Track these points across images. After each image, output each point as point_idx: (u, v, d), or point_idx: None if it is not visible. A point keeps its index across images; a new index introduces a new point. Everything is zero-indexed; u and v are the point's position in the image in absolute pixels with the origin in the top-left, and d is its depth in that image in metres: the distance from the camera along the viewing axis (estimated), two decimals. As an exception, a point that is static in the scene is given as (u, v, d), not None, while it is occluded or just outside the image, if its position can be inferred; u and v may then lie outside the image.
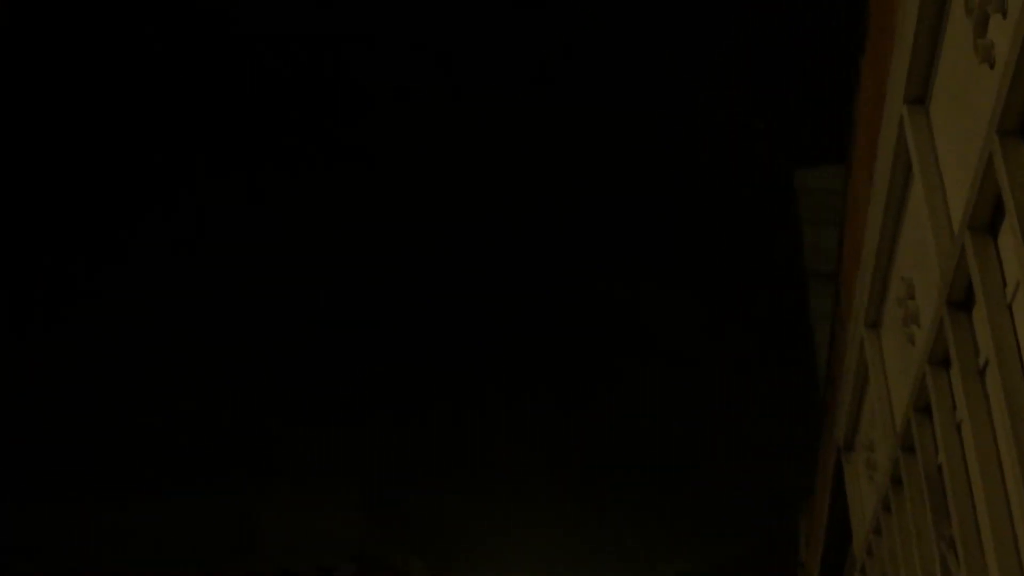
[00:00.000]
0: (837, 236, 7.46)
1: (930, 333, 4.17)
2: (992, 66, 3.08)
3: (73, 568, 37.80)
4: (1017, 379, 3.22)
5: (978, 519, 3.84)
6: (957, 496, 4.01)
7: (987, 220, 3.46)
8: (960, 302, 3.79)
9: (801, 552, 14.67)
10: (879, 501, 5.96)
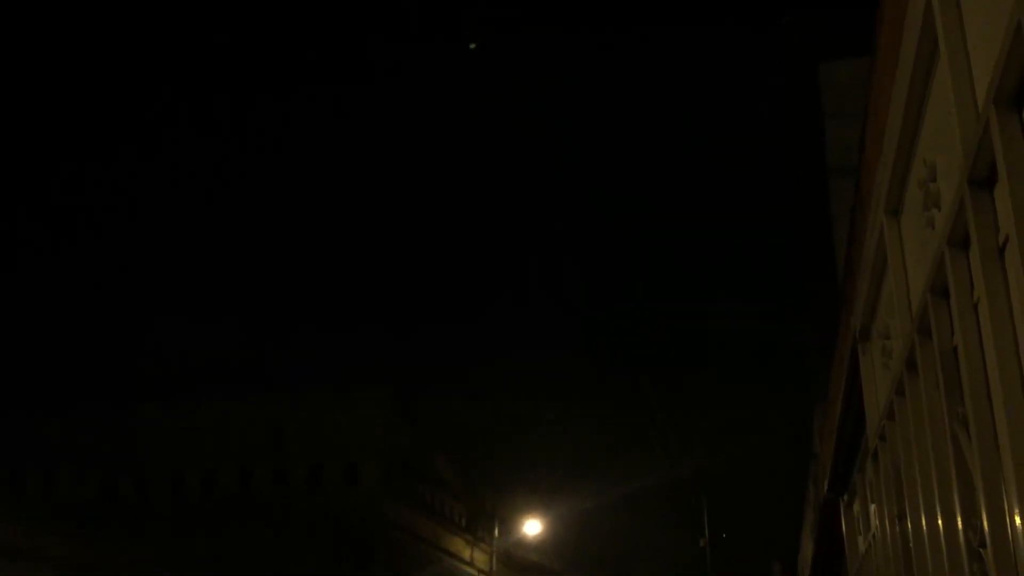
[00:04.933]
0: (860, 128, 7.37)
1: (950, 214, 4.15)
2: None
3: (113, 464, 39.00)
4: (1036, 253, 3.21)
5: (991, 396, 3.88)
6: (971, 374, 4.04)
7: (1013, 94, 3.41)
8: (982, 180, 3.77)
9: (815, 444, 14.87)
10: (893, 386, 6.02)
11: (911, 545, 5.93)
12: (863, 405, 7.95)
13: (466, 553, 46.42)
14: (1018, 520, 3.42)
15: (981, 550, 4.06)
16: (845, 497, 11.64)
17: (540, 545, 52.55)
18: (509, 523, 46.26)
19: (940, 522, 4.87)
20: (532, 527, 44.16)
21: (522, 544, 48.77)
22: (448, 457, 45.82)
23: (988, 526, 3.83)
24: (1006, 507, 3.67)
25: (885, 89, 5.67)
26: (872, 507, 8.48)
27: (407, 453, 40.30)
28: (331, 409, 38.42)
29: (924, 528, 5.31)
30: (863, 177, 7.12)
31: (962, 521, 4.44)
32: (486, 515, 47.30)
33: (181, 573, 28.09)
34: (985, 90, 3.58)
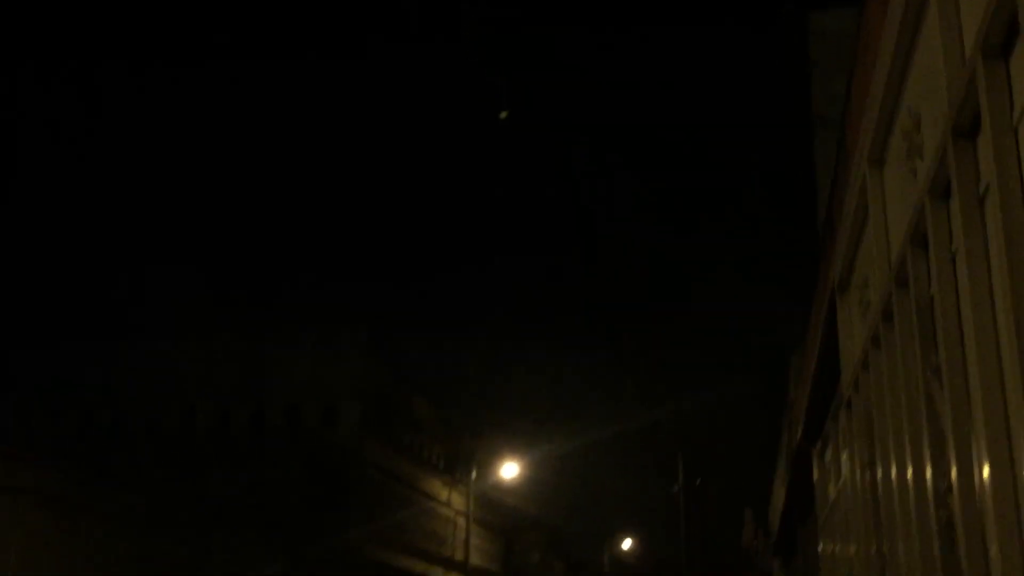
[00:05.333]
0: (846, 78, 7.33)
1: (933, 163, 4.15)
2: None
3: (90, 401, 39.05)
4: (1016, 203, 3.22)
5: (964, 346, 3.92)
6: (946, 324, 4.07)
7: (999, 44, 3.39)
8: (966, 130, 3.76)
9: (790, 393, 15.03)
10: (869, 337, 6.07)
11: (879, 492, 6.02)
12: (839, 355, 8.03)
13: (443, 494, 46.93)
14: (985, 468, 3.47)
15: (948, 496, 4.13)
16: (818, 445, 11.80)
17: (517, 488, 53.21)
18: (486, 466, 46.73)
19: (909, 469, 4.94)
20: (509, 470, 44.61)
21: (499, 487, 49.34)
22: (426, 399, 46.07)
23: (956, 473, 3.89)
24: (974, 455, 3.72)
25: (874, 38, 5.63)
26: (844, 455, 8.60)
27: (385, 394, 40.47)
28: (309, 350, 38.47)
29: (893, 475, 5.39)
30: (848, 126, 7.10)
31: (931, 468, 4.50)
32: (463, 457, 47.74)
33: (158, 507, 28.27)
34: (972, 40, 3.56)
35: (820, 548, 12.43)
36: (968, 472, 3.80)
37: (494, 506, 53.96)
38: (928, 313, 4.53)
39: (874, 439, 6.15)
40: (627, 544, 76.21)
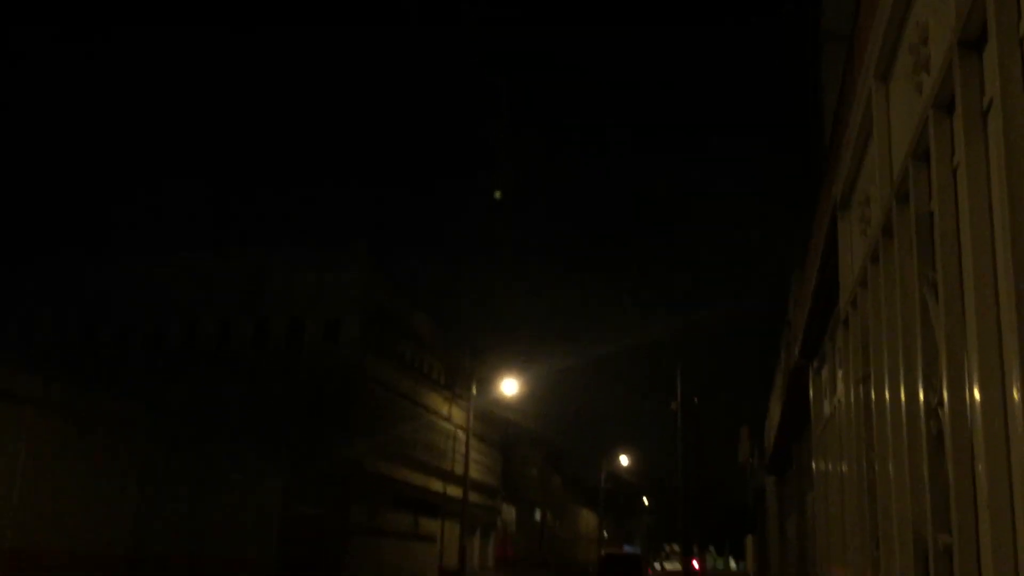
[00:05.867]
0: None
1: (938, 76, 4.09)
2: None
3: (94, 313, 39.26)
4: (1018, 117, 3.18)
5: (962, 261, 3.92)
6: (945, 239, 4.06)
7: (1011, -49, 3.32)
8: (972, 41, 3.70)
9: (790, 310, 15.08)
10: (868, 253, 6.07)
11: (872, 406, 6.09)
12: (838, 274, 8.03)
13: (444, 409, 47.50)
14: (976, 380, 3.50)
15: (939, 409, 4.17)
16: (815, 363, 11.90)
17: (517, 405, 53.84)
18: (487, 382, 47.19)
19: (902, 384, 4.99)
20: (509, 386, 45.08)
21: (499, 403, 49.92)
22: (427, 315, 46.31)
23: (947, 386, 3.93)
24: (966, 368, 3.75)
25: (884, -52, 5.50)
26: (839, 373, 8.67)
27: (386, 310, 40.66)
28: (310, 266, 38.52)
29: (886, 389, 5.44)
30: (857, 40, 6.98)
31: (923, 382, 4.54)
32: (464, 373, 48.20)
33: (160, 417, 28.63)
34: (983, -53, 3.47)
35: (813, 465, 12.62)
36: (960, 385, 3.84)
37: (493, 421, 54.72)
38: (928, 228, 4.51)
39: (869, 355, 6.19)
40: (624, 460, 77.48)
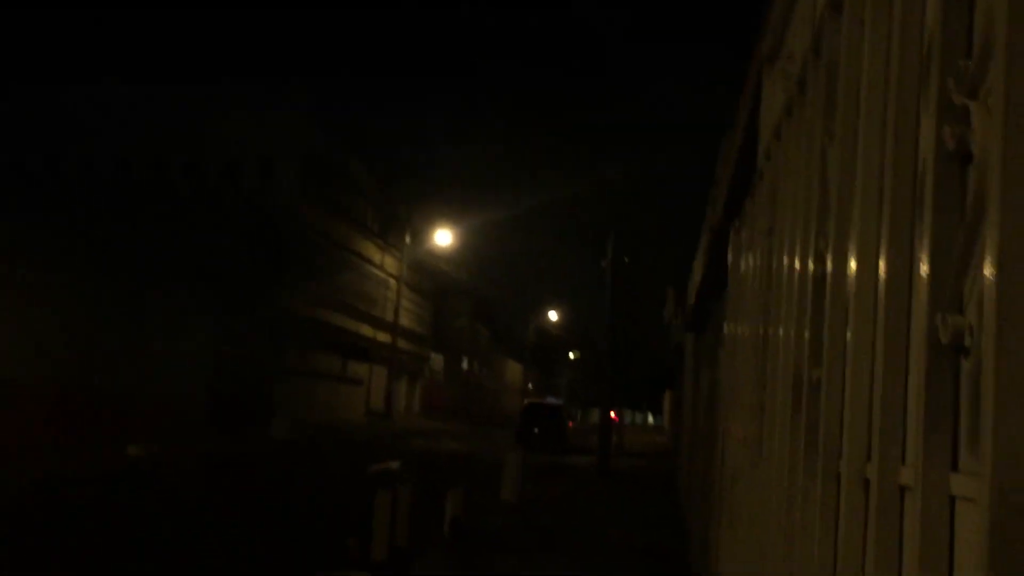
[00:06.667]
0: None
1: (855, -78, 4.07)
2: None
3: (24, 143, 37.98)
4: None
5: (859, 110, 4.00)
6: (846, 88, 4.13)
7: None
8: None
9: (717, 169, 15.24)
10: (784, 107, 6.14)
11: (772, 257, 6.28)
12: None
13: (377, 258, 47.62)
14: (857, 225, 3.64)
15: (825, 255, 4.33)
16: (736, 222, 12.13)
17: (450, 256, 54.17)
18: (421, 233, 47.25)
19: (798, 234, 5.14)
20: (443, 237, 45.23)
21: (432, 253, 50.15)
22: (363, 163, 45.83)
23: (834, 233, 4.07)
24: (853, 217, 3.89)
25: None
26: (754, 229, 8.87)
27: (322, 156, 40.11)
28: (246, 107, 37.59)
29: (784, 240, 5.61)
30: None
31: (815, 234, 4.70)
32: (399, 222, 48.14)
33: (93, 253, 28.27)
34: None
35: (724, 326, 13.02)
36: (844, 235, 3.98)
37: (426, 272, 55.08)
38: (834, 78, 4.57)
39: (775, 209, 6.35)
40: (553, 315, 79.01)
